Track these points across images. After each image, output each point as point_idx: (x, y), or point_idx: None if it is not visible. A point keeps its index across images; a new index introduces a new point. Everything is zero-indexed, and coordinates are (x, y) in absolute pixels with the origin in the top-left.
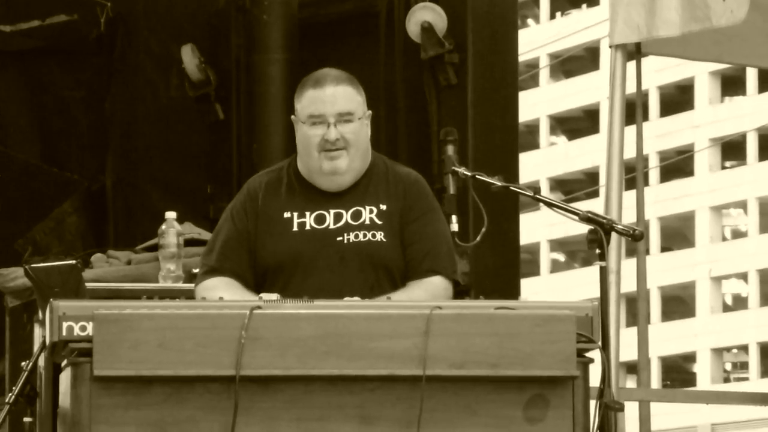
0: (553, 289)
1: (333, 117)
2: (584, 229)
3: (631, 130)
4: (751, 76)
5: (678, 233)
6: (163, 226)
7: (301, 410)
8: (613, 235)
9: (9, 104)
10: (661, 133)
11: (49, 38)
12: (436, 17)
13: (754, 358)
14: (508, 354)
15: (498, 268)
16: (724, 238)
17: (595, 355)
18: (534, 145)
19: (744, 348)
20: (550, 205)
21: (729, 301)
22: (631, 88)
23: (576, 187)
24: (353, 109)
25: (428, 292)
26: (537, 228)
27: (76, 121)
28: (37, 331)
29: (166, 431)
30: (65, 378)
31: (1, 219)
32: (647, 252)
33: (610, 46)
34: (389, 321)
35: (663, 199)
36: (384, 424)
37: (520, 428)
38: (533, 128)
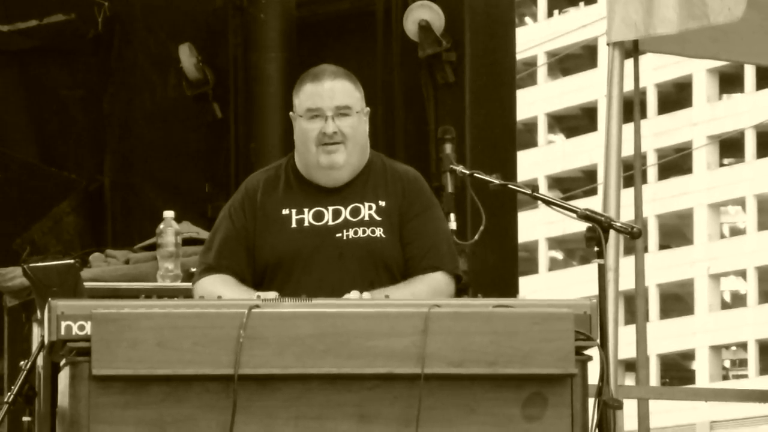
0: (552, 287)
1: (331, 111)
2: (582, 227)
3: (629, 128)
4: (749, 73)
5: (676, 231)
6: (161, 225)
7: (300, 409)
8: (612, 232)
9: (6, 104)
10: (659, 131)
11: (46, 38)
12: (434, 16)
13: (752, 356)
14: (507, 352)
15: (496, 266)
16: (722, 236)
17: (594, 352)
18: (532, 143)
19: (743, 345)
20: (548, 203)
21: (727, 298)
22: (628, 86)
23: (574, 185)
24: (351, 103)
25: (430, 287)
26: (535, 226)
27: (74, 121)
28: (36, 330)
29: (165, 430)
30: (64, 377)
31: (1, 218)
32: (645, 250)
33: (608, 44)
34: (387, 319)
35: (661, 197)
36: (382, 423)
37: (518, 426)
38: (531, 126)
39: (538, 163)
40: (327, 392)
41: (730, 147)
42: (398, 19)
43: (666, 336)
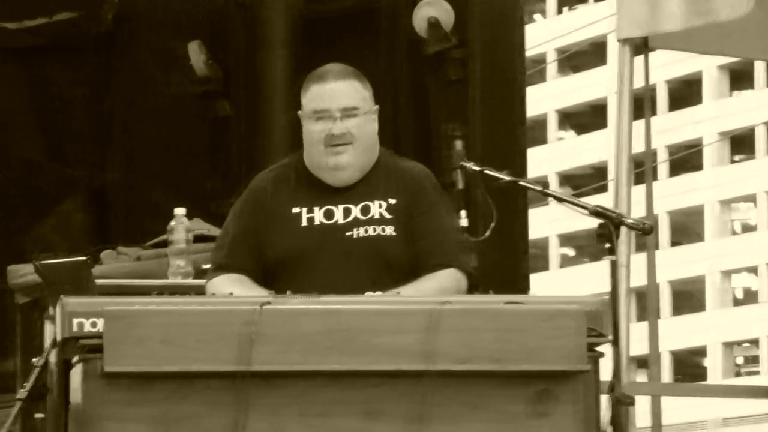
0: (563, 284)
1: (338, 112)
2: (593, 223)
3: (639, 125)
4: (759, 69)
5: (687, 227)
6: (173, 222)
7: (305, 406)
8: (623, 229)
9: (11, 101)
10: (669, 128)
11: (52, 35)
12: (443, 13)
13: (764, 352)
14: (516, 349)
15: (507, 263)
16: (733, 232)
17: (606, 349)
18: (542, 140)
19: (755, 342)
20: (558, 199)
21: (739, 295)
22: (638, 83)
23: (584, 181)
24: (358, 103)
25: (440, 284)
26: (546, 223)
27: (78, 118)
28: (48, 327)
29: (170, 427)
30: (76, 374)
31: (4, 216)
32: (656, 246)
33: (618, 41)
34: (393, 316)
35: (671, 194)
36: (389, 420)
37: (526, 423)
38: (541, 123)
39: (548, 159)
40: (332, 389)
41: (740, 143)
42: (404, 15)
43: (677, 333)
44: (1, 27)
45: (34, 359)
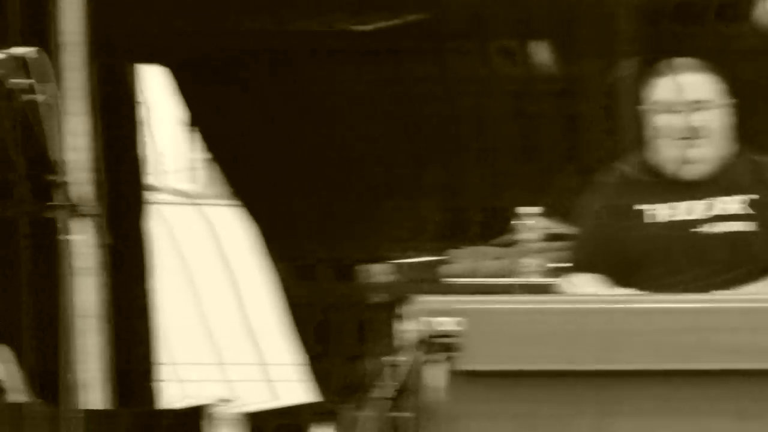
0: None
1: (687, 105)
2: None
3: None
4: None
5: None
6: (524, 221)
7: (671, 404)
8: None
9: (368, 103)
10: None
11: (401, 37)
12: None
13: None
14: None
15: None
16: None
17: None
18: None
19: None
20: None
21: None
22: None
23: None
24: (708, 96)
25: None
26: None
27: (425, 116)
28: (401, 325)
29: (536, 426)
30: (431, 373)
31: (357, 216)
32: None
33: None
34: (751, 314)
35: None
36: (760, 421)
37: None
38: None
39: None
40: (700, 388)
41: None
42: (754, 7)
43: None
44: (355, 30)
45: (387, 358)
